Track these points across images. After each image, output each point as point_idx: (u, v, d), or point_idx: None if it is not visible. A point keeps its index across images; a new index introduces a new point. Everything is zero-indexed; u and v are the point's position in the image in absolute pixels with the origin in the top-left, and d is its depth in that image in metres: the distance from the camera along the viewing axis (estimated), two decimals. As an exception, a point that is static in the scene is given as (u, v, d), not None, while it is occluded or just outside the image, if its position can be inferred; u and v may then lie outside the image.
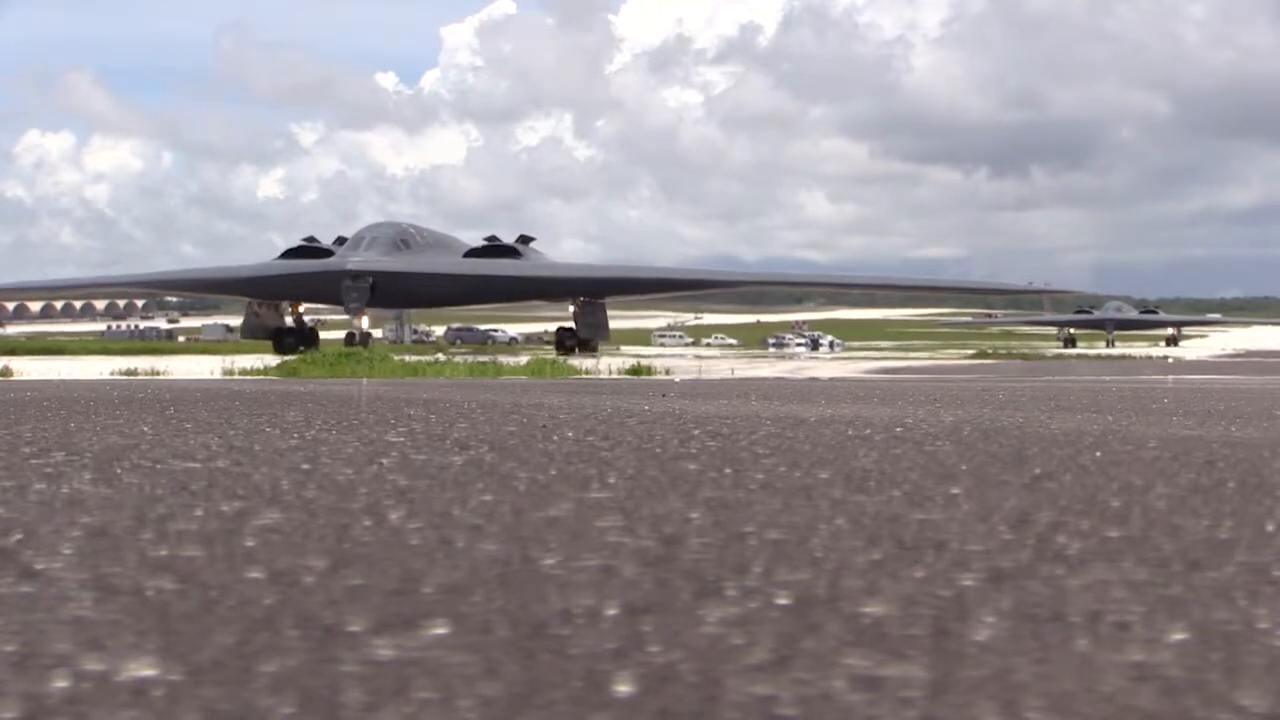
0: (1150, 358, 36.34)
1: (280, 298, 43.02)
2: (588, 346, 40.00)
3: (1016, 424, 5.80)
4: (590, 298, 43.21)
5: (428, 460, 3.95)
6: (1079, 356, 40.97)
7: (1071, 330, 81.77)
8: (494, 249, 44.77)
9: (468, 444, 4.56)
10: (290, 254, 43.50)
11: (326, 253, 42.96)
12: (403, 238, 43.06)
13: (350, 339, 41.87)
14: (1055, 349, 58.94)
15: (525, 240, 45.87)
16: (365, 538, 2.41)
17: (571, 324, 43.93)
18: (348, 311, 41.69)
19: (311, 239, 44.67)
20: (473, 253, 44.69)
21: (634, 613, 1.75)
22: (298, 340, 40.74)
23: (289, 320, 43.96)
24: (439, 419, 6.04)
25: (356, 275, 40.20)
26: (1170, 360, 31.82)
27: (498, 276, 42.75)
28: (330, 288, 40.53)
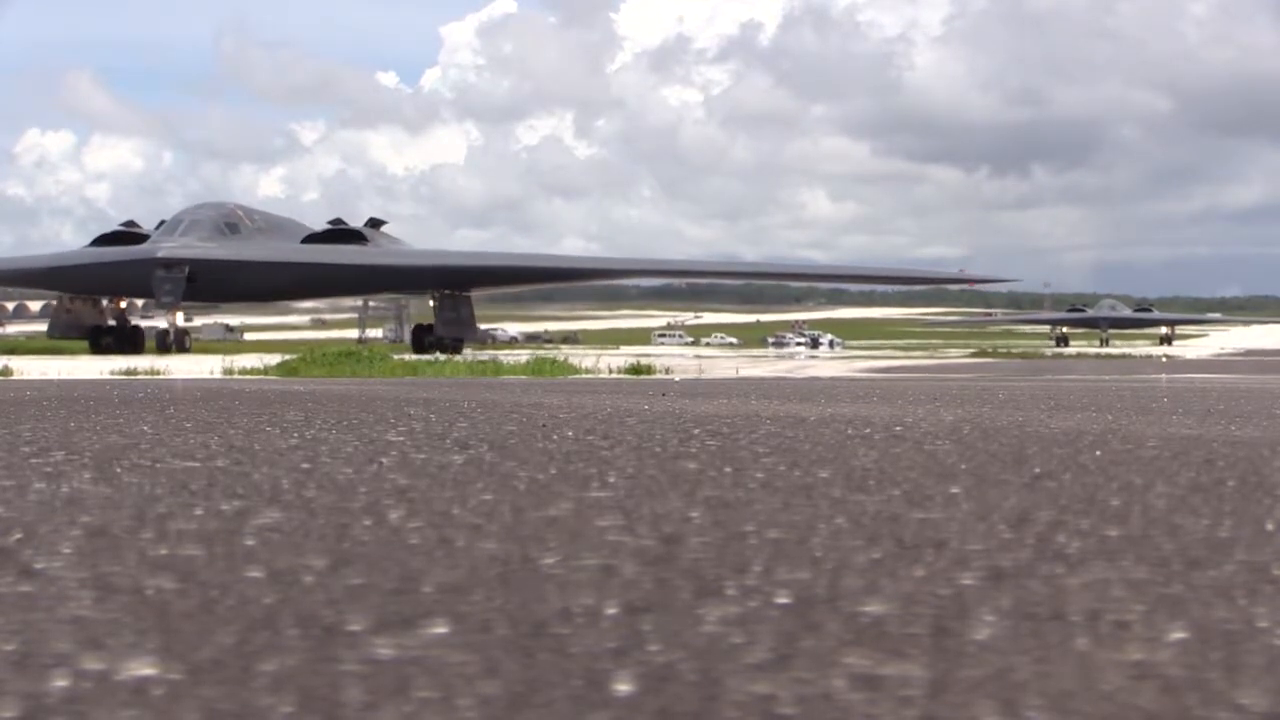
0: (1150, 357, 36.34)
1: (85, 291, 37.46)
2: (449, 346, 33.77)
3: (1016, 423, 5.80)
4: (452, 290, 38.04)
5: (428, 459, 3.95)
6: (1078, 356, 40.93)
7: (1064, 329, 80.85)
8: (337, 234, 39.13)
9: (468, 443, 4.56)
10: (103, 240, 37.79)
11: (145, 239, 37.02)
12: (228, 221, 37.31)
13: (163, 339, 35.37)
14: (1054, 348, 58.72)
15: (375, 224, 40.50)
16: (365, 537, 2.41)
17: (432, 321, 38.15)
18: (160, 306, 35.90)
19: (131, 223, 39.07)
20: (312, 238, 38.97)
21: (634, 612, 1.75)
22: (117, 341, 36.18)
23: (110, 318, 38.31)
24: (439, 418, 6.04)
25: (170, 264, 34.68)
26: (1164, 360, 31.78)
27: (338, 265, 37.30)
28: (141, 279, 35.06)
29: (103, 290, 37.70)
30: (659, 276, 48.57)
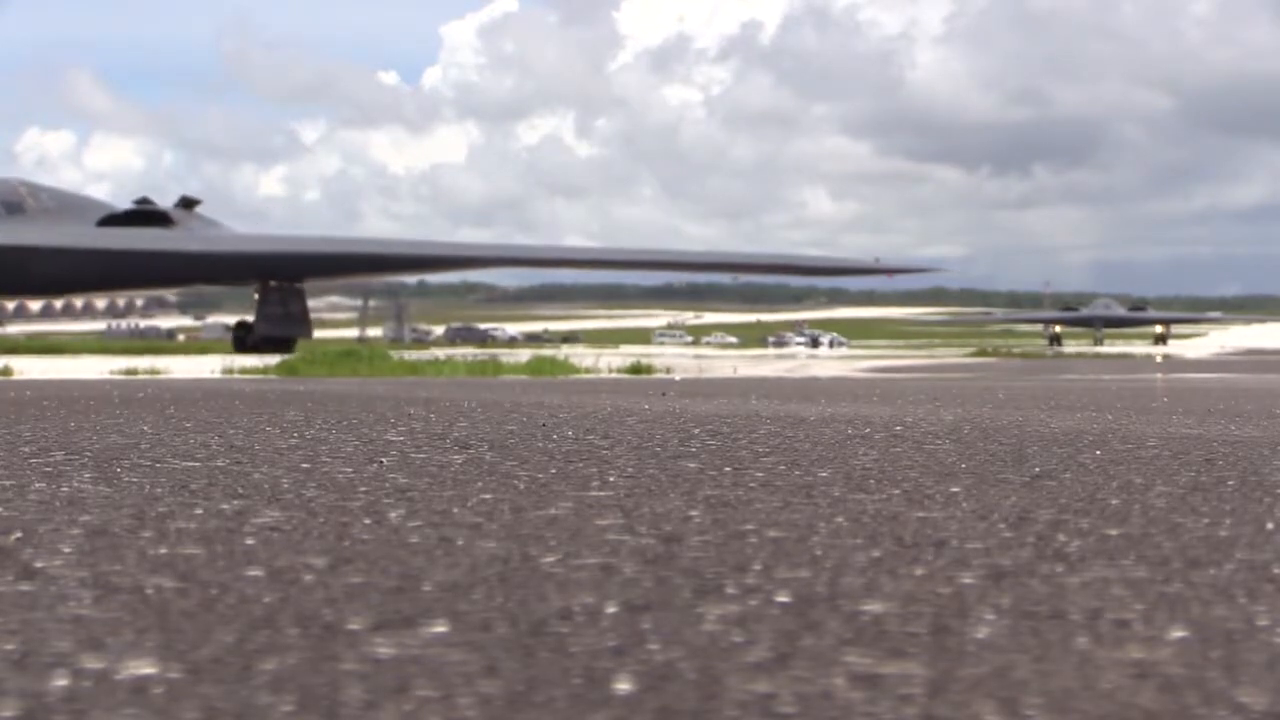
0: (1150, 357, 36.34)
1: None
2: (277, 345, 29.71)
3: (1016, 422, 5.80)
4: (281, 280, 33.53)
5: (428, 459, 3.95)
6: (1077, 355, 40.89)
7: (1058, 329, 79.74)
8: (139, 216, 33.89)
9: (468, 443, 4.56)
10: None
11: None
12: (8, 200, 32.17)
13: None
14: (1054, 349, 58.58)
15: (188, 204, 35.17)
16: (365, 536, 2.41)
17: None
18: None
19: None
20: (111, 220, 33.62)
21: (634, 611, 1.75)
22: None
23: None
24: (439, 418, 6.04)
25: None
26: (1161, 359, 31.73)
27: (137, 253, 32.46)
28: None
29: None
30: (521, 265, 42.58)
